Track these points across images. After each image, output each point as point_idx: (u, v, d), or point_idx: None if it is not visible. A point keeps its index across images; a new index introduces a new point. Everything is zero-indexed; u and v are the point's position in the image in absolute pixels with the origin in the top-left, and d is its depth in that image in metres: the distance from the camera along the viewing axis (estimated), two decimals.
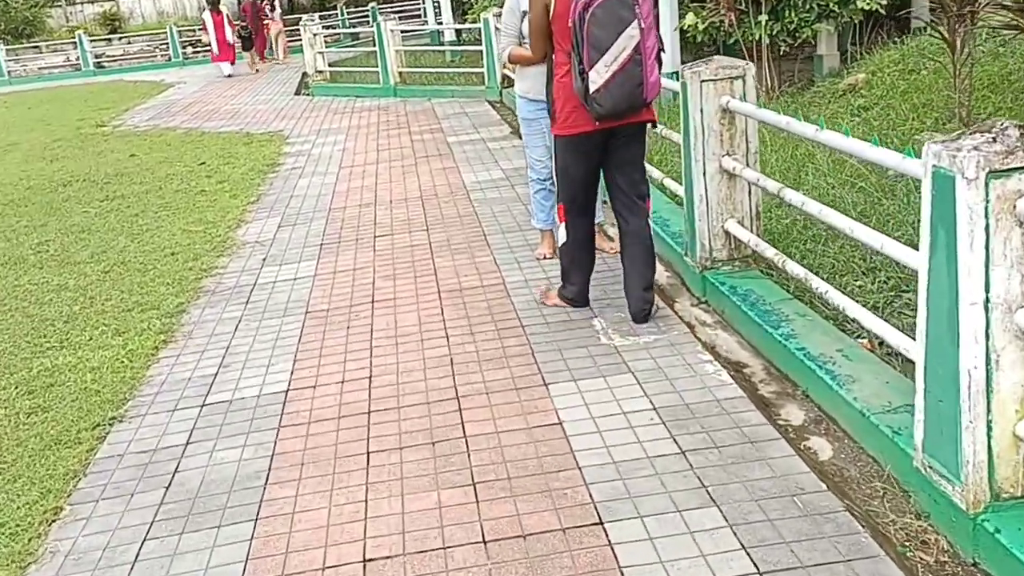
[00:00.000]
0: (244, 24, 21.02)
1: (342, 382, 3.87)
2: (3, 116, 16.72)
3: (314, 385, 3.87)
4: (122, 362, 4.37)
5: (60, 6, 41.64)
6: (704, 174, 4.37)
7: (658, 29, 3.82)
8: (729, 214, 4.43)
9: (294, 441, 3.39)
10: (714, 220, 4.44)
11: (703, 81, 4.27)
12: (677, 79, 4.57)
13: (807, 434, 3.08)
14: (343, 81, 15.46)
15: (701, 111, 4.29)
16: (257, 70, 20.62)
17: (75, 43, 26.51)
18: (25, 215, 8.10)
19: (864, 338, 3.52)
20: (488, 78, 12.38)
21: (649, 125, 4.10)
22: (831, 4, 8.74)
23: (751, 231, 4.43)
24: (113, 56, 31.08)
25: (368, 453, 3.22)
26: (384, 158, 8.94)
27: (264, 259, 5.92)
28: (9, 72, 25.66)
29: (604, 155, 4.06)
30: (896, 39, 9.17)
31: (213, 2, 20.38)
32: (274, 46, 23.77)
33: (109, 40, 35.46)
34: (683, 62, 10.88)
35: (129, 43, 34.82)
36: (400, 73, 13.90)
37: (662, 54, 3.89)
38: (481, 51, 12.54)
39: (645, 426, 3.19)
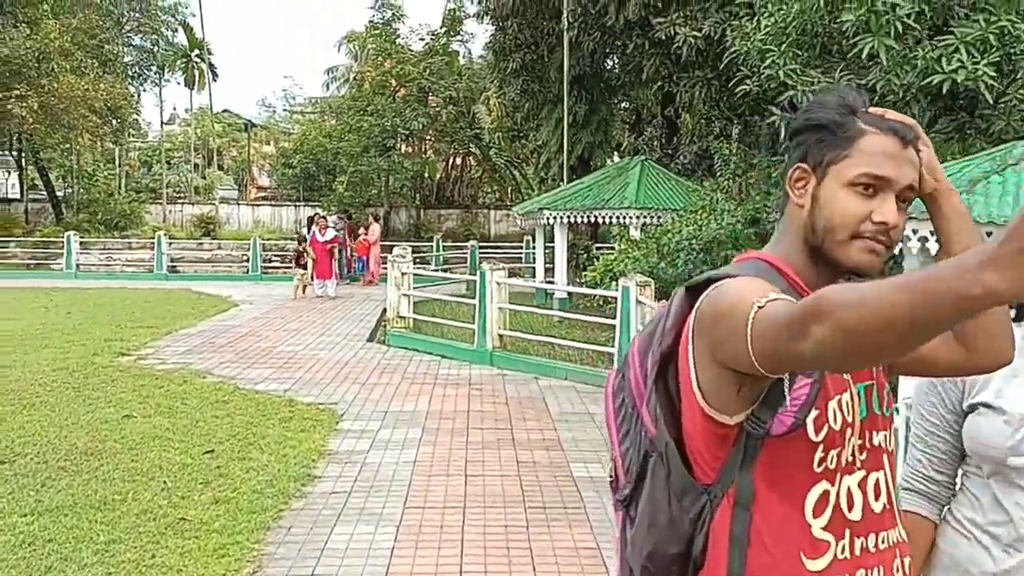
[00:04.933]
0: (303, 248, 19.40)
1: None
2: (34, 321, 14.32)
3: None
4: None
5: (160, 203, 41.85)
6: None
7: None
8: None
9: None
10: None
11: None
12: None
13: None
14: (428, 332, 12.67)
15: None
16: (296, 296, 18.93)
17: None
18: None
19: None
20: (618, 363, 9.34)
21: None
22: None
23: None
24: (195, 259, 29.84)
25: None
26: (475, 498, 5.67)
27: None
28: (78, 265, 24.06)
29: None
30: None
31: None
32: (369, 267, 22.88)
33: (200, 243, 34.69)
34: None
35: (219, 247, 33.94)
36: (500, 336, 11.01)
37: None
38: (614, 326, 9.58)
39: None
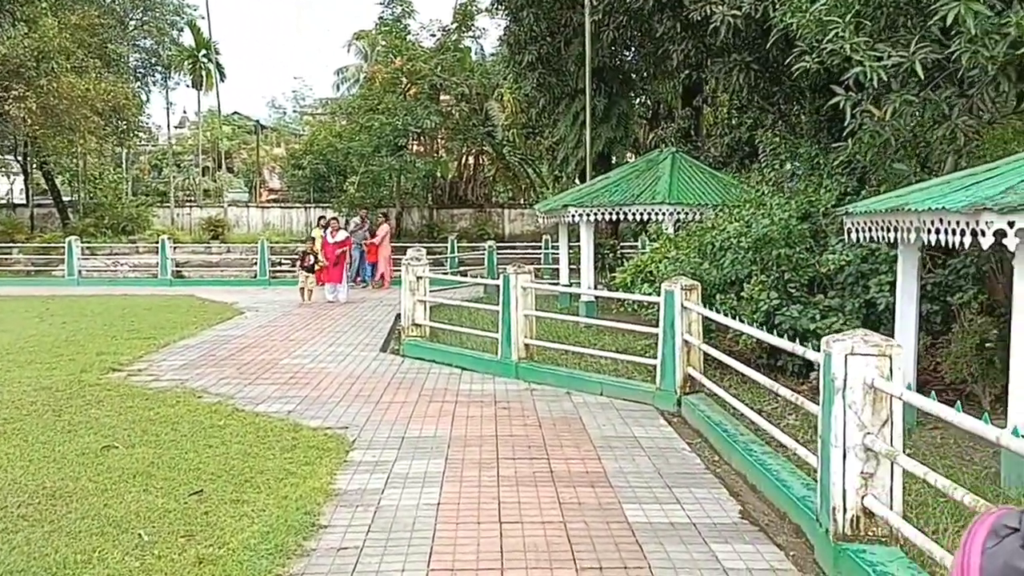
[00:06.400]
0: (310, 249, 18.39)
1: None
2: (24, 333, 13.42)
3: None
4: None
5: (168, 207, 40.98)
6: None
7: None
8: None
9: None
10: None
11: None
12: None
13: None
14: (445, 341, 11.68)
15: None
16: (304, 301, 17.99)
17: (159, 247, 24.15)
18: None
19: None
20: (662, 375, 8.30)
21: None
22: None
23: None
24: (202, 263, 28.96)
25: None
26: (514, 555, 4.64)
27: None
28: (80, 271, 23.15)
29: None
30: None
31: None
32: (378, 269, 22.23)
33: (208, 246, 33.83)
34: None
35: (228, 251, 33.06)
36: (526, 346, 10.00)
37: None
38: (657, 335, 8.55)
39: None
